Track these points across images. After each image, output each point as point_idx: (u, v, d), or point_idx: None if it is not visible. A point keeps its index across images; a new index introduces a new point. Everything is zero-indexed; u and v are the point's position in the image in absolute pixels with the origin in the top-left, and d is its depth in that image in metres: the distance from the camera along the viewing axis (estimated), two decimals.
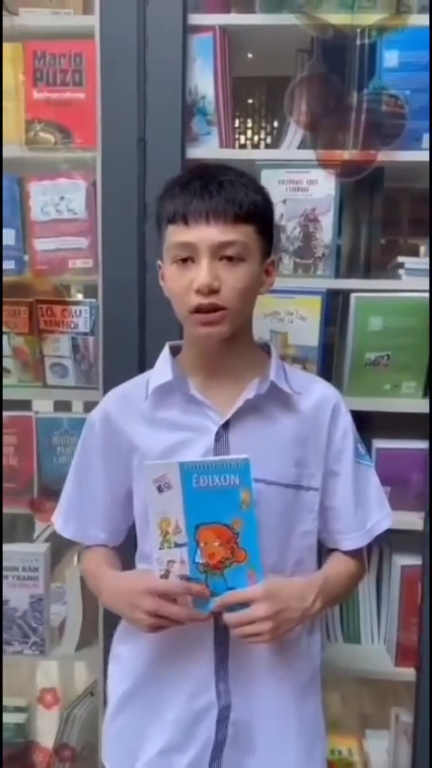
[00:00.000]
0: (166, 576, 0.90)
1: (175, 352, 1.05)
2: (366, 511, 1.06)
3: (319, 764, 1.06)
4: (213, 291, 0.90)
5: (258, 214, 0.94)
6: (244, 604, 0.90)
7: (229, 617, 0.90)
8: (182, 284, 0.92)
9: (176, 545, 0.89)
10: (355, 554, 1.07)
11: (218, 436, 0.97)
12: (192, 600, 0.91)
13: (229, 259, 0.91)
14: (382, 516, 1.07)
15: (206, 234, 0.90)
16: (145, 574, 0.96)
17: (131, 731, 1.03)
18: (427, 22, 1.32)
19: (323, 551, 1.10)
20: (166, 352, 1.04)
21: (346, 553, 1.07)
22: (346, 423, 1.04)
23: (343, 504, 1.04)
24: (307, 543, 1.03)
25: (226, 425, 0.97)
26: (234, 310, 0.93)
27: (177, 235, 0.92)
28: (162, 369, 1.01)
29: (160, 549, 0.90)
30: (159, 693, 1.01)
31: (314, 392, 1.03)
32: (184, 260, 0.92)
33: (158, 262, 1.01)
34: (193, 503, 0.88)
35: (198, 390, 0.99)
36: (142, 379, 1.05)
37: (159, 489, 0.88)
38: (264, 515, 0.94)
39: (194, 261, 0.92)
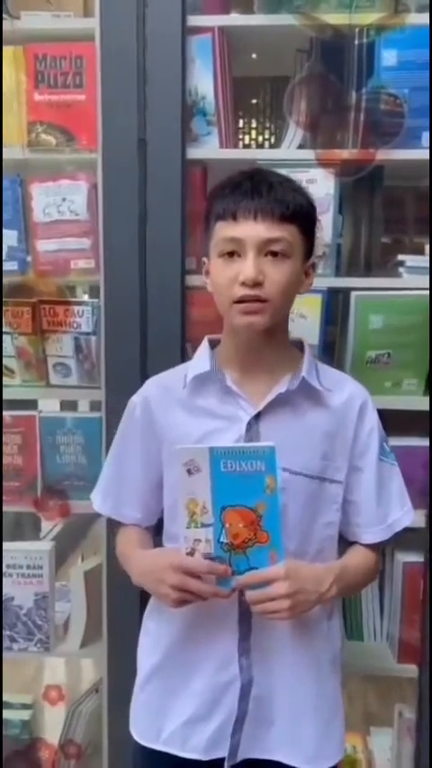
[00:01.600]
0: (191, 553, 0.95)
1: (213, 345, 1.10)
2: (388, 507, 1.10)
3: (337, 739, 1.10)
4: (258, 284, 0.96)
5: (303, 215, 1.00)
6: (265, 583, 0.94)
7: (250, 594, 0.95)
8: (227, 277, 0.98)
9: (203, 525, 0.94)
10: (373, 548, 1.11)
11: (249, 426, 1.02)
12: (215, 577, 0.95)
13: (274, 255, 0.97)
14: (402, 513, 1.11)
15: (254, 230, 0.96)
16: (171, 551, 1.01)
17: (158, 702, 1.09)
18: (425, 21, 1.32)
19: (344, 545, 1.13)
20: (205, 344, 1.10)
21: (366, 546, 1.10)
22: (372, 421, 1.09)
23: (365, 498, 1.09)
24: (329, 533, 1.08)
25: (257, 416, 1.03)
26: (275, 304, 0.98)
27: (226, 230, 0.98)
28: (201, 360, 1.07)
29: (187, 528, 0.94)
30: (185, 667, 1.06)
31: (344, 390, 1.08)
32: (231, 254, 0.98)
33: (203, 258, 1.07)
34: (220, 486, 0.93)
35: (233, 382, 1.04)
36: (181, 369, 1.11)
37: (189, 472, 0.93)
38: (288, 503, 0.99)
39: (240, 255, 0.97)
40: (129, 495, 1.14)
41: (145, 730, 1.10)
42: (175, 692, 1.07)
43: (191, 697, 1.05)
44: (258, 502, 0.92)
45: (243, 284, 0.96)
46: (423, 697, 1.45)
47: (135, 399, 1.13)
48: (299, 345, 1.11)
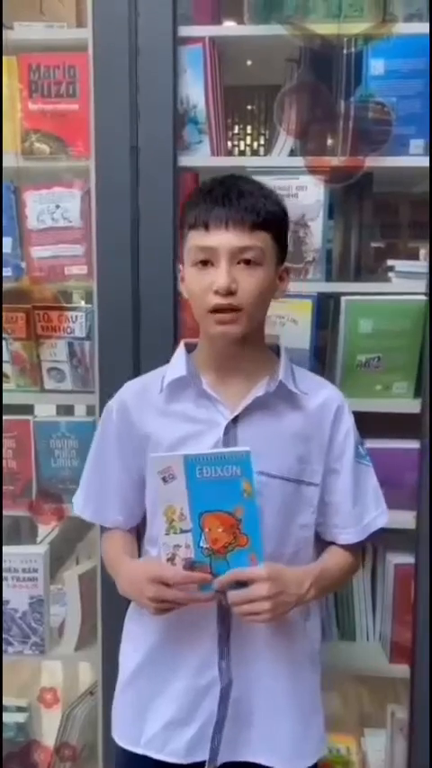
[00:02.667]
0: (172, 559, 0.96)
1: (189, 349, 1.11)
2: (363, 508, 1.11)
3: (316, 738, 1.11)
4: (231, 293, 0.97)
5: (275, 223, 1.00)
6: (245, 585, 0.95)
7: (232, 595, 0.95)
8: (201, 286, 0.98)
9: (182, 531, 0.94)
10: (350, 548, 1.12)
11: (227, 430, 1.03)
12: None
13: (247, 263, 0.98)
14: (378, 513, 1.13)
15: (225, 239, 0.96)
16: (150, 562, 1.03)
17: (139, 705, 1.09)
18: (412, 31, 1.35)
19: (320, 544, 1.14)
20: (181, 348, 1.10)
21: (343, 547, 1.12)
22: (348, 424, 1.10)
23: (341, 500, 1.10)
24: (304, 535, 1.09)
25: (235, 420, 1.03)
26: (249, 311, 0.99)
27: (198, 239, 0.98)
28: (177, 364, 1.08)
29: (166, 534, 0.95)
30: (165, 669, 1.07)
31: (320, 393, 1.09)
32: (204, 263, 0.98)
33: (179, 265, 1.07)
34: (196, 492, 0.93)
35: (210, 386, 1.05)
36: (158, 373, 1.11)
37: (164, 480, 0.93)
38: (265, 506, 1.00)
39: (214, 264, 0.98)
40: (110, 499, 1.14)
41: (126, 733, 1.11)
42: (155, 695, 1.07)
43: (171, 700, 1.06)
44: (236, 506, 0.93)
45: (216, 293, 0.96)
46: (415, 697, 1.46)
47: (112, 403, 1.14)
48: (275, 349, 1.11)
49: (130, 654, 1.12)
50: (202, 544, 0.94)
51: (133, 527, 1.17)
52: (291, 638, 1.06)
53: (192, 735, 1.05)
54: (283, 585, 0.97)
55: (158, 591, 0.96)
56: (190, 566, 0.95)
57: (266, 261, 0.99)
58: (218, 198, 0.97)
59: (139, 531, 1.18)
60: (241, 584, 0.95)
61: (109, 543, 1.16)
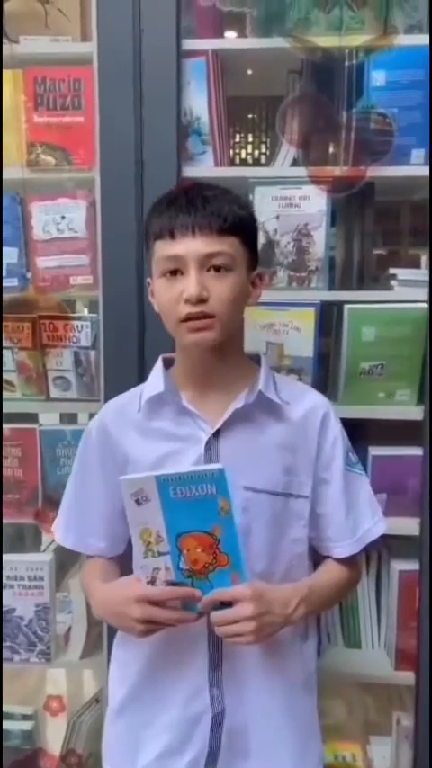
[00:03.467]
0: (152, 581, 0.92)
1: (168, 364, 1.07)
2: (357, 518, 1.07)
3: (314, 762, 1.08)
4: (202, 301, 0.93)
5: (243, 227, 0.98)
6: (231, 605, 0.92)
7: (215, 615, 0.92)
8: (171, 296, 0.95)
9: (160, 553, 0.91)
10: (347, 561, 1.08)
11: (208, 446, 0.99)
12: (181, 602, 0.93)
13: (217, 269, 0.95)
14: (373, 523, 1.08)
15: (193, 246, 0.93)
16: (131, 582, 0.97)
17: (130, 735, 1.06)
18: (413, 42, 1.37)
19: (318, 559, 1.12)
20: (159, 364, 1.07)
21: (338, 560, 1.08)
22: (335, 431, 1.06)
23: (333, 511, 1.06)
24: (297, 551, 1.05)
25: (216, 435, 1.00)
26: (222, 318, 0.95)
27: (165, 249, 0.95)
28: (155, 381, 1.04)
29: (144, 557, 0.92)
30: (156, 698, 1.03)
31: (304, 402, 1.05)
32: (173, 272, 0.95)
33: (147, 279, 1.05)
34: (172, 513, 0.90)
35: (189, 401, 1.01)
36: (137, 391, 1.08)
37: (138, 502, 0.90)
38: (253, 522, 0.97)
39: (183, 273, 0.95)
40: (92, 525, 1.10)
41: (119, 764, 1.07)
42: (146, 725, 1.04)
43: (163, 730, 1.02)
44: (214, 525, 0.90)
45: (187, 301, 0.93)
46: (420, 704, 1.46)
47: (91, 425, 1.10)
48: (257, 359, 1.08)
49: (119, 682, 1.08)
50: (181, 566, 0.91)
51: (118, 554, 1.12)
52: (285, 661, 1.03)
53: (185, 765, 1.01)
54: (268, 605, 0.92)
55: (146, 611, 0.92)
56: (171, 586, 0.92)
57: (237, 266, 0.96)
58: (182, 205, 0.94)
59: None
60: (226, 604, 0.92)
61: (87, 571, 1.12)
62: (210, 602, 0.92)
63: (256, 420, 1.01)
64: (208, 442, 0.99)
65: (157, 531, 0.91)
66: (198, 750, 1.01)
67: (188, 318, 0.94)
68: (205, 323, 0.94)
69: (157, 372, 1.05)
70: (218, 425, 1.00)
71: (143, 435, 1.03)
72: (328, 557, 1.09)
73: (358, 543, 1.07)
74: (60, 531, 1.14)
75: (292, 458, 1.02)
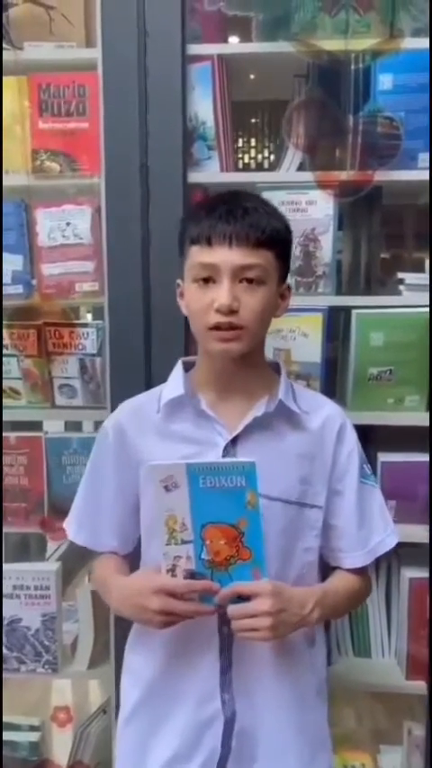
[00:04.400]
0: (172, 570, 0.93)
1: (187, 368, 1.08)
2: (369, 531, 1.07)
3: None
4: (233, 311, 0.94)
5: (278, 240, 0.98)
6: (247, 600, 0.92)
7: (232, 608, 0.92)
8: (202, 303, 0.96)
9: (183, 541, 0.92)
10: (357, 572, 1.08)
11: (225, 451, 1.00)
12: (198, 595, 0.93)
13: (249, 282, 0.95)
14: (386, 535, 1.09)
15: (228, 256, 0.94)
16: (150, 573, 0.98)
17: (141, 740, 1.06)
18: (420, 46, 1.36)
19: (327, 567, 1.11)
20: (179, 367, 1.08)
21: (349, 571, 1.08)
22: (351, 443, 1.07)
23: (346, 523, 1.06)
24: (308, 559, 1.05)
25: (234, 441, 1.01)
26: (251, 330, 0.96)
27: (201, 256, 0.96)
28: (174, 383, 1.05)
29: (167, 544, 0.92)
30: (167, 703, 1.04)
31: (321, 412, 1.06)
32: (206, 280, 0.96)
33: (178, 281, 1.05)
34: (199, 502, 0.91)
35: (209, 406, 1.02)
36: (155, 393, 1.08)
37: (166, 489, 0.91)
38: (266, 530, 0.96)
39: (215, 281, 0.95)
40: (105, 523, 1.11)
41: None
42: (157, 730, 1.04)
43: (173, 735, 1.03)
44: (240, 518, 0.91)
45: (218, 311, 0.94)
46: (431, 714, 1.44)
47: (107, 425, 1.11)
48: (275, 367, 1.09)
49: (131, 688, 1.09)
50: (203, 556, 0.92)
51: (128, 553, 1.13)
52: (295, 667, 1.03)
53: None
54: (285, 603, 0.93)
55: (165, 602, 0.92)
56: (190, 577, 0.93)
57: (269, 279, 0.97)
58: (222, 214, 0.95)
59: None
60: (244, 598, 0.92)
61: (100, 566, 1.12)
62: (228, 595, 0.92)
63: (275, 428, 1.02)
64: (225, 448, 1.00)
65: (182, 519, 0.91)
66: (208, 755, 1.02)
67: (217, 327, 0.95)
68: (233, 334, 0.95)
69: (177, 375, 1.06)
70: (236, 432, 1.00)
71: (161, 437, 1.04)
72: (337, 567, 1.09)
73: (369, 555, 1.08)
74: (72, 528, 1.14)
75: (308, 467, 1.03)
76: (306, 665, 1.05)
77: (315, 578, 1.07)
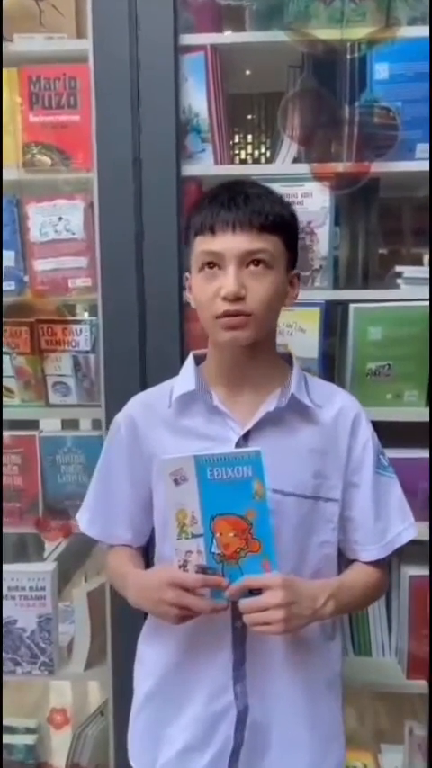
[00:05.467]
0: (184, 565, 0.93)
1: (198, 361, 1.07)
2: (387, 523, 1.06)
3: (335, 763, 1.06)
4: (240, 299, 0.93)
5: (284, 226, 0.97)
6: (259, 593, 0.92)
7: (243, 603, 0.92)
8: (209, 292, 0.95)
9: (193, 535, 0.92)
10: (375, 565, 1.07)
11: (238, 446, 0.99)
12: (210, 590, 0.93)
13: (256, 265, 0.94)
14: (404, 528, 1.07)
15: (232, 243, 0.93)
16: (166, 568, 0.98)
17: (153, 730, 1.06)
18: (416, 34, 1.34)
19: (344, 560, 1.10)
20: (190, 361, 1.07)
21: (366, 564, 1.07)
22: (366, 434, 1.06)
23: (363, 515, 1.05)
24: (325, 553, 1.04)
25: (246, 436, 1.00)
26: (259, 317, 0.95)
27: (205, 244, 0.95)
28: (186, 377, 1.04)
29: (178, 539, 0.93)
30: (180, 693, 1.04)
31: (335, 404, 1.05)
32: (211, 268, 0.95)
33: (186, 274, 1.04)
34: (208, 494, 0.91)
35: (220, 400, 1.01)
36: (167, 387, 1.07)
37: (176, 482, 0.91)
38: (280, 525, 0.96)
39: (221, 269, 0.94)
40: (118, 516, 1.11)
41: (142, 759, 1.08)
42: (170, 720, 1.04)
43: (186, 726, 1.03)
44: (248, 509, 0.91)
45: (225, 299, 0.93)
46: (431, 713, 1.43)
47: (119, 418, 1.10)
48: (287, 359, 1.08)
49: (144, 678, 1.10)
50: (213, 550, 0.92)
51: (141, 546, 1.14)
52: (310, 660, 1.02)
53: (207, 761, 1.02)
54: (297, 596, 0.92)
55: (178, 595, 0.92)
56: (202, 572, 0.93)
57: (276, 265, 0.96)
58: (224, 202, 0.94)
59: (147, 553, 1.15)
60: (254, 592, 0.92)
61: (114, 558, 1.13)
62: (238, 591, 0.92)
63: (287, 422, 1.01)
64: (238, 443, 0.99)
65: (192, 513, 0.92)
66: (220, 746, 1.02)
67: (224, 315, 0.94)
68: (241, 320, 0.94)
69: (188, 369, 1.05)
70: (248, 427, 1.00)
71: (173, 432, 1.03)
72: (355, 560, 1.08)
73: (387, 548, 1.06)
74: (85, 521, 1.14)
75: (322, 461, 1.02)
76: (322, 658, 1.05)
77: (333, 573, 1.06)
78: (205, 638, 0.99)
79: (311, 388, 1.04)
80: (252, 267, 0.94)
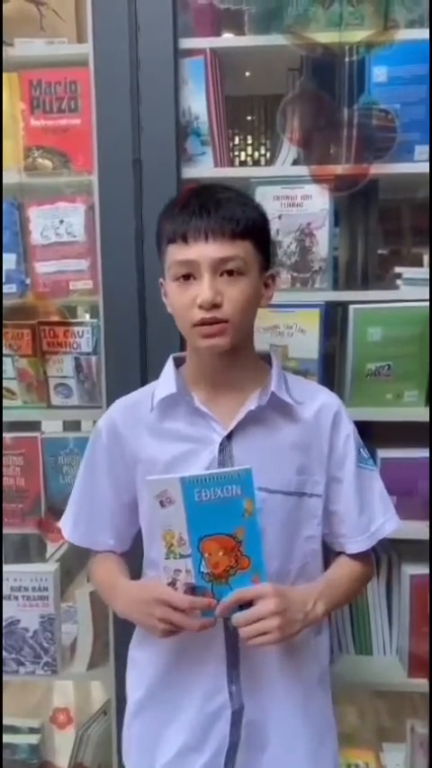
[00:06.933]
0: (173, 584, 0.92)
1: (178, 363, 1.07)
2: (370, 515, 1.07)
3: (330, 758, 1.09)
4: (215, 306, 0.93)
5: (256, 230, 0.97)
6: (250, 605, 0.91)
7: (237, 616, 0.92)
8: (184, 301, 0.95)
9: (181, 556, 0.91)
10: (360, 556, 1.09)
11: (221, 447, 0.99)
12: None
13: (230, 274, 0.94)
14: (386, 519, 1.08)
15: (206, 251, 0.93)
16: (155, 583, 0.97)
17: (149, 734, 1.06)
18: (414, 37, 1.35)
19: (330, 553, 1.12)
20: (170, 364, 1.07)
21: (352, 556, 1.08)
22: (347, 429, 1.07)
23: (346, 508, 1.06)
24: (311, 548, 1.06)
25: (229, 436, 1.00)
26: (235, 323, 0.95)
27: (178, 253, 0.95)
28: (166, 381, 1.04)
29: (166, 558, 0.92)
30: (174, 696, 1.04)
31: (315, 401, 1.05)
32: (186, 277, 0.95)
33: (160, 279, 1.04)
34: (195, 516, 0.89)
35: (202, 402, 1.01)
36: (148, 390, 1.07)
37: (162, 504, 0.89)
38: (267, 522, 0.96)
39: (195, 278, 0.94)
40: (101, 522, 1.10)
41: (138, 762, 1.08)
42: (165, 723, 1.04)
43: (182, 727, 1.03)
44: (237, 527, 0.90)
45: (201, 307, 0.93)
46: None
47: (101, 424, 1.10)
48: (267, 359, 1.08)
49: (137, 682, 1.09)
50: (202, 569, 0.91)
51: (125, 551, 1.13)
52: (301, 657, 1.03)
53: (205, 761, 1.02)
54: (288, 602, 0.93)
55: (166, 612, 0.92)
56: (191, 591, 0.92)
57: (250, 270, 0.96)
58: (195, 209, 0.94)
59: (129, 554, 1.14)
60: (245, 606, 0.92)
61: (101, 566, 1.12)
62: (227, 607, 0.92)
63: (269, 421, 1.01)
64: (221, 444, 0.99)
65: (179, 534, 0.90)
66: (217, 747, 1.02)
67: (201, 323, 0.94)
68: (218, 328, 0.94)
69: (168, 372, 1.05)
70: (231, 427, 1.00)
71: (156, 436, 1.03)
72: (340, 552, 1.10)
73: (371, 539, 1.08)
74: (68, 528, 1.13)
75: (305, 457, 1.03)
76: (310, 652, 1.06)
77: (319, 567, 1.08)
78: (198, 641, 0.98)
79: (291, 386, 1.04)
80: (226, 276, 0.94)
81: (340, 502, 1.06)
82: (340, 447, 1.05)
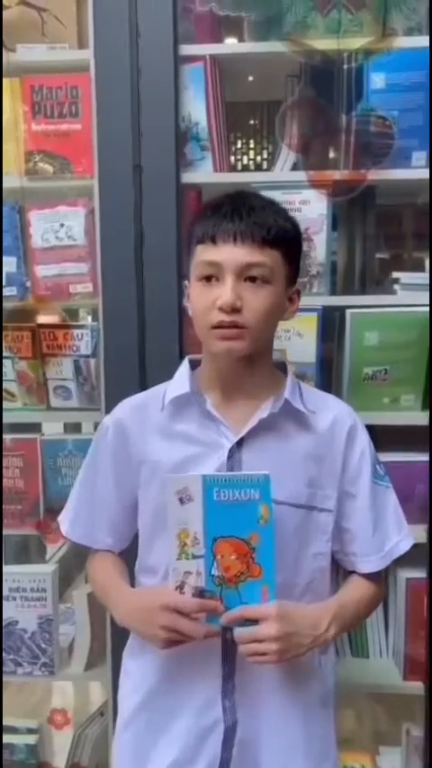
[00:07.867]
0: (181, 587, 0.91)
1: (193, 366, 1.06)
2: (384, 534, 1.05)
3: None
4: (235, 310, 0.92)
5: (286, 240, 0.96)
6: (254, 621, 0.90)
7: (239, 632, 0.91)
8: (206, 301, 0.94)
9: (194, 556, 0.91)
10: (372, 577, 1.06)
11: (231, 453, 0.98)
12: (205, 614, 0.92)
13: (253, 280, 0.93)
14: (400, 539, 1.06)
15: (232, 254, 0.92)
16: (160, 590, 0.96)
17: (140, 746, 1.04)
18: (412, 44, 1.36)
19: (341, 572, 1.10)
20: (185, 365, 1.06)
21: (364, 576, 1.06)
22: (363, 443, 1.04)
23: (360, 526, 1.04)
24: (319, 564, 1.03)
25: (239, 443, 0.98)
26: (254, 331, 0.94)
27: (205, 254, 0.95)
28: (180, 381, 1.03)
29: (178, 559, 0.91)
30: (167, 709, 1.02)
31: (329, 411, 1.03)
32: (209, 278, 0.94)
33: (185, 282, 1.04)
34: (212, 515, 0.90)
35: (214, 407, 1.00)
36: (159, 390, 1.06)
37: (181, 501, 0.89)
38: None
39: (219, 280, 0.94)
40: (100, 520, 1.09)
41: None
42: (157, 735, 1.02)
43: (173, 740, 1.00)
44: (252, 533, 0.89)
45: (221, 309, 0.92)
46: (430, 715, 1.44)
47: (107, 421, 1.09)
48: (282, 367, 1.07)
49: (130, 693, 1.07)
50: (213, 572, 0.90)
51: (123, 551, 1.12)
52: (302, 674, 1.00)
53: None
54: (294, 626, 0.91)
55: (172, 619, 0.90)
56: (199, 594, 0.91)
57: (275, 280, 0.95)
58: (227, 213, 0.94)
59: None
60: (251, 620, 0.91)
61: (100, 567, 1.11)
62: (234, 619, 0.91)
63: (281, 429, 1.00)
64: (231, 450, 0.98)
65: (194, 533, 0.90)
66: (208, 762, 1.00)
67: (219, 326, 0.93)
68: (235, 332, 0.93)
69: (183, 373, 1.04)
70: (242, 434, 0.98)
71: (165, 436, 1.02)
72: (352, 571, 1.07)
73: (384, 559, 1.05)
74: (67, 524, 1.13)
75: (316, 469, 1.01)
76: (314, 672, 1.02)
77: (327, 585, 1.05)
78: (194, 654, 0.96)
79: (305, 395, 1.03)
80: (249, 282, 0.93)
81: (354, 519, 1.03)
82: (355, 462, 1.03)
